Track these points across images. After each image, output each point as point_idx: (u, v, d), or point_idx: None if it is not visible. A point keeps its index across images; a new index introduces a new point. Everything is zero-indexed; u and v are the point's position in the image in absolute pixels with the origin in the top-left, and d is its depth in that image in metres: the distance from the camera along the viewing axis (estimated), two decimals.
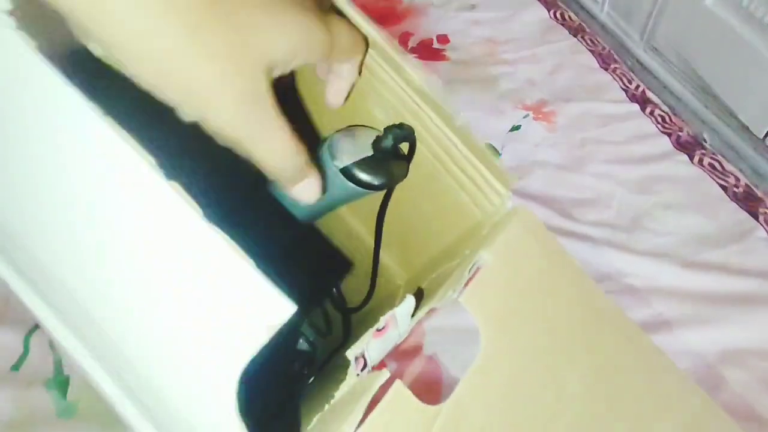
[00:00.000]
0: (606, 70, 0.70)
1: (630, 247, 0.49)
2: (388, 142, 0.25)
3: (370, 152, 0.25)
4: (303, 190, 0.21)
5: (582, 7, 0.89)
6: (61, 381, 0.40)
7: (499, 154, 0.60)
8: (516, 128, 0.63)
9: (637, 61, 0.75)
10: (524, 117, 0.64)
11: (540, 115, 0.64)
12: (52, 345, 0.43)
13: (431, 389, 0.41)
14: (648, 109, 0.63)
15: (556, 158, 0.59)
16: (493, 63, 0.75)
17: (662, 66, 0.70)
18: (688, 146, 0.59)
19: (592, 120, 0.63)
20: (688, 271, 0.47)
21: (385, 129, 0.25)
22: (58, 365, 0.41)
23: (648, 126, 0.61)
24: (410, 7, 0.89)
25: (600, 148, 0.59)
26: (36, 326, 0.44)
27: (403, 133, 0.25)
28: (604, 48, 0.75)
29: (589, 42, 0.76)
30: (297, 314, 0.14)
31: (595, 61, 0.72)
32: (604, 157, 0.58)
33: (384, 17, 0.88)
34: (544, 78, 0.70)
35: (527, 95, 0.67)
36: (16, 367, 0.41)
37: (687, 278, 0.46)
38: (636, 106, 0.64)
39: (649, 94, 0.66)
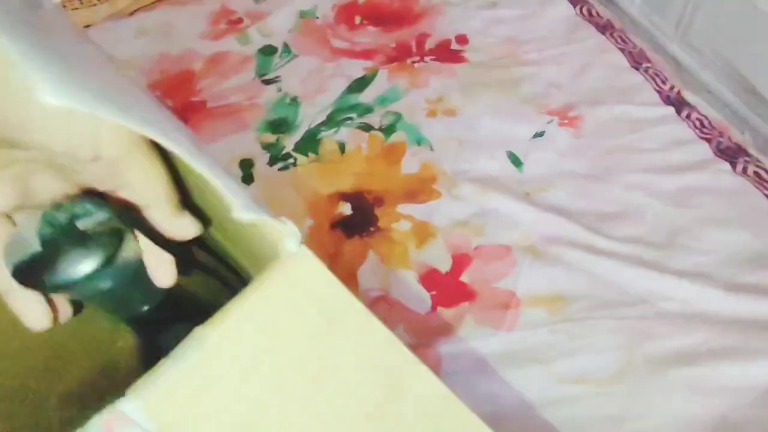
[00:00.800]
0: (637, 69, 0.65)
1: (666, 266, 0.45)
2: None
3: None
4: (186, 224, 0.20)
5: (611, 1, 0.84)
6: None
7: (521, 163, 0.57)
8: (539, 135, 0.59)
9: (672, 58, 0.70)
10: (548, 123, 0.60)
11: (565, 121, 0.60)
12: None
13: None
14: (684, 113, 0.58)
15: (583, 167, 0.55)
16: (515, 64, 0.71)
17: (700, 64, 0.65)
18: (731, 153, 0.54)
19: (622, 125, 0.58)
20: (733, 294, 0.42)
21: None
22: None
23: (685, 131, 0.56)
24: (427, 6, 0.86)
25: (631, 157, 0.55)
26: None
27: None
28: (635, 46, 0.70)
29: (618, 39, 0.71)
30: None
31: (626, 60, 0.67)
32: (635, 166, 0.54)
33: (400, 18, 0.84)
34: (569, 80, 0.66)
35: (551, 99, 0.63)
36: None
37: (731, 303, 0.42)
38: (671, 109, 0.59)
39: (686, 96, 0.61)
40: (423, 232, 0.51)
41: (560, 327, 0.42)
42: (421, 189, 0.55)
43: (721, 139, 0.55)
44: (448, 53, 0.75)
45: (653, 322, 0.41)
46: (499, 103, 0.64)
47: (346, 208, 0.55)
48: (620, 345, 0.40)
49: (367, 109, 0.67)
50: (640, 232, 0.48)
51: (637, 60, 0.66)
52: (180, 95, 0.74)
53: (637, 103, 0.60)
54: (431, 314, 0.45)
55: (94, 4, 0.94)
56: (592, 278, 0.45)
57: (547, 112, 0.62)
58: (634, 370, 0.39)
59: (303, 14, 0.89)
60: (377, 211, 0.54)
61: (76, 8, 0.93)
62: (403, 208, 0.54)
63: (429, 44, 0.78)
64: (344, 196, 0.56)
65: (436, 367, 0.41)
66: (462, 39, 0.77)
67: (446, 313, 0.45)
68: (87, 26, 0.93)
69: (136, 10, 0.94)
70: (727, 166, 0.52)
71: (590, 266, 0.46)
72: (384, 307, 0.46)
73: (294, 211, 0.54)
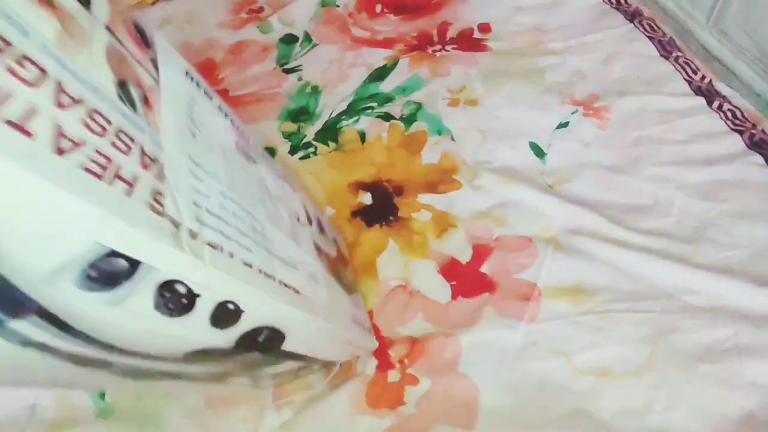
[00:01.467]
0: (667, 58, 0.63)
1: (692, 260, 0.44)
2: None
3: None
4: None
5: None
6: None
7: (545, 154, 0.56)
8: (564, 125, 0.58)
9: (703, 47, 0.68)
10: (573, 113, 0.59)
11: (590, 111, 0.59)
12: None
13: None
14: (716, 104, 0.57)
15: (609, 159, 0.54)
16: (539, 53, 0.69)
17: (732, 52, 0.63)
18: (764, 146, 0.52)
19: (649, 116, 0.57)
20: (763, 289, 0.41)
21: None
22: None
23: (715, 123, 0.55)
24: None
25: (658, 148, 0.54)
26: None
27: None
28: (664, 34, 0.68)
29: (647, 27, 0.69)
30: None
31: (654, 49, 0.65)
32: (663, 158, 0.53)
33: (421, 6, 0.84)
34: (595, 69, 0.64)
35: (576, 89, 0.62)
36: None
37: (760, 298, 0.41)
38: (701, 100, 0.57)
39: (717, 86, 0.59)
40: (443, 222, 0.51)
41: (583, 319, 0.41)
42: (441, 179, 0.55)
43: (754, 131, 0.53)
44: (470, 42, 0.74)
45: (678, 316, 0.40)
46: (522, 93, 0.63)
47: (366, 198, 0.55)
48: (644, 338, 0.40)
49: (388, 99, 0.66)
50: (666, 226, 0.47)
51: (666, 49, 0.65)
52: None
53: (666, 93, 0.59)
54: (451, 304, 0.45)
55: None
56: (616, 271, 0.44)
57: (571, 102, 0.61)
58: (658, 363, 0.38)
59: (324, 3, 0.88)
60: (397, 201, 0.54)
61: None
62: (424, 198, 0.54)
63: (451, 33, 0.77)
64: (364, 186, 0.56)
65: (456, 357, 0.41)
66: (485, 27, 0.76)
67: (467, 303, 0.45)
68: None
69: (158, 0, 0.95)
70: (759, 159, 0.51)
71: (614, 259, 0.45)
72: (403, 295, 0.46)
73: (314, 200, 0.54)
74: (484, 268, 0.47)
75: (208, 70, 0.77)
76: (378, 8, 0.85)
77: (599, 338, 0.40)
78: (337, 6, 0.87)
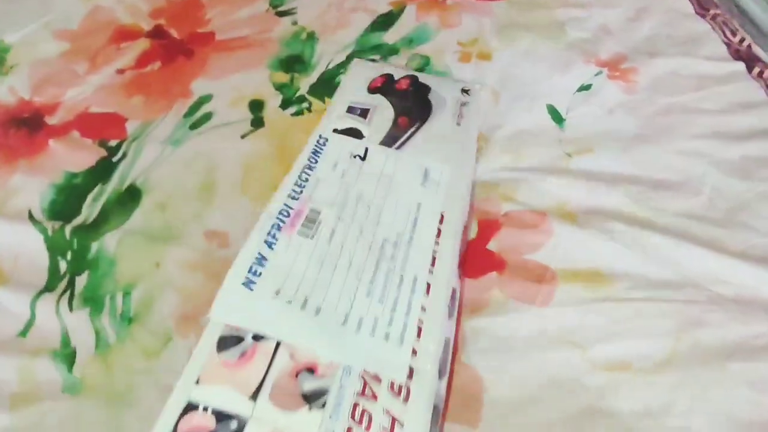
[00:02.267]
0: (703, 17, 0.57)
1: (722, 246, 0.40)
2: None
3: None
4: None
5: None
6: (67, 354, 0.38)
7: (563, 120, 0.50)
8: (586, 88, 0.52)
9: (741, 6, 0.61)
10: (596, 74, 0.53)
11: (616, 73, 0.53)
12: (58, 312, 0.40)
13: None
14: (756, 70, 0.51)
15: (634, 128, 0.49)
16: (560, 5, 0.62)
17: None
18: None
19: (682, 81, 0.51)
20: None
21: None
22: (65, 336, 0.39)
23: (755, 92, 0.49)
24: None
25: (691, 118, 0.48)
26: (43, 290, 0.42)
27: None
28: None
29: None
30: None
31: (690, 5, 0.59)
32: (695, 129, 0.47)
33: None
34: (623, 26, 0.58)
35: (601, 47, 0.56)
36: (23, 333, 0.39)
37: None
38: (740, 66, 0.52)
39: (757, 51, 0.53)
40: None
41: (600, 307, 0.38)
42: None
43: None
44: None
45: (705, 308, 0.37)
46: (540, 49, 0.57)
47: None
48: (667, 331, 0.36)
49: (392, 50, 0.60)
50: (696, 206, 0.43)
51: (703, 5, 0.58)
52: (186, 25, 0.67)
53: (702, 57, 0.53)
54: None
55: None
56: (638, 255, 0.40)
57: (595, 62, 0.55)
58: (682, 359, 0.35)
59: None
60: None
61: None
62: None
63: None
64: None
65: (461, 342, 0.37)
66: None
67: (472, 284, 0.40)
68: None
69: None
70: None
71: (636, 241, 0.41)
72: None
73: None
74: (492, 246, 0.42)
75: (193, 8, 0.70)
76: None
77: (617, 329, 0.36)
78: None
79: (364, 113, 0.47)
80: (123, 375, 0.37)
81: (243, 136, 0.53)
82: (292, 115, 0.55)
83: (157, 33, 0.67)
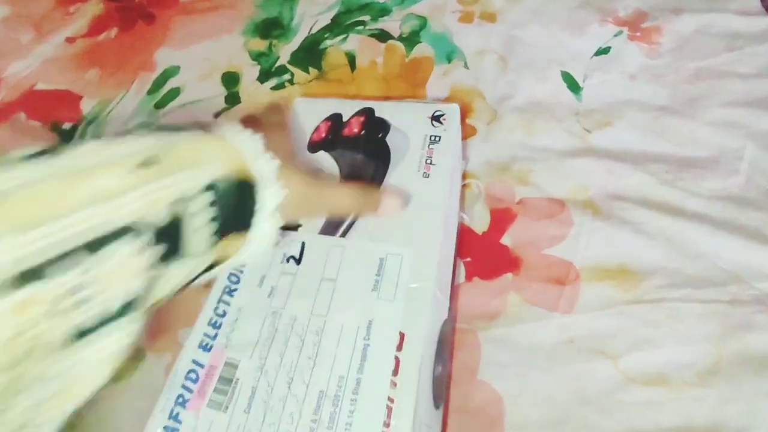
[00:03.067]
0: None
1: (766, 234, 0.35)
2: None
3: None
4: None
5: None
6: None
7: (580, 89, 0.45)
8: (604, 51, 0.46)
9: None
10: (615, 35, 0.47)
11: (638, 33, 0.47)
12: None
13: None
14: None
15: (659, 97, 0.43)
16: None
17: None
18: None
19: (712, 41, 0.45)
20: None
21: None
22: None
23: None
24: None
25: (724, 84, 0.43)
26: None
27: None
28: None
29: None
30: None
31: None
32: (729, 97, 0.42)
33: None
34: None
35: (619, 4, 0.49)
36: None
37: None
38: None
39: None
40: None
41: (631, 310, 0.33)
42: None
43: None
44: None
45: (752, 309, 0.32)
46: (551, 7, 0.50)
47: None
48: (709, 335, 0.32)
49: (384, 11, 0.53)
50: (732, 186, 0.38)
51: None
52: None
53: (732, 12, 0.47)
54: (466, 287, 0.36)
55: None
56: (670, 247, 0.36)
57: (614, 21, 0.48)
58: (728, 369, 0.31)
59: None
60: None
61: None
62: None
63: None
64: None
65: (474, 359, 0.33)
66: None
67: (485, 287, 0.36)
68: None
69: None
70: None
71: (667, 231, 0.36)
72: None
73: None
74: (506, 240, 0.38)
75: None
76: None
77: (652, 335, 0.32)
78: None
79: None
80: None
81: (216, 115, 0.47)
82: (272, 89, 0.48)
83: None
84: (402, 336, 0.26)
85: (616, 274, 0.35)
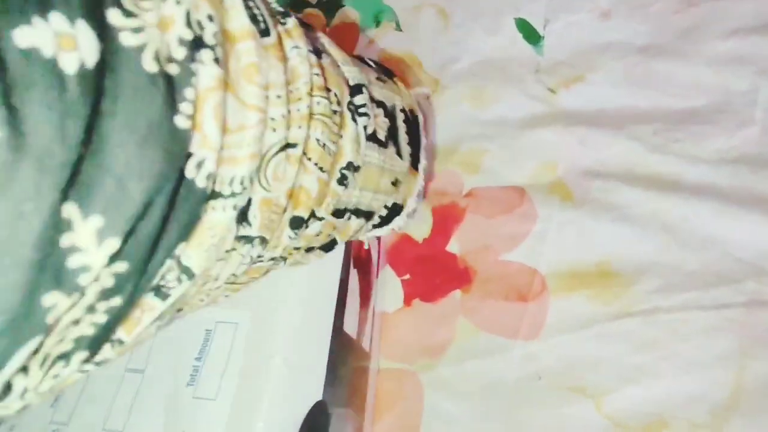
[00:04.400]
0: None
1: None
2: None
3: None
4: None
5: None
6: None
7: (540, 38, 0.35)
8: None
9: None
10: None
11: None
12: None
13: None
14: None
15: (641, 35, 0.34)
16: None
17: None
18: None
19: None
20: None
21: None
22: None
23: None
24: None
25: (725, 6, 0.33)
26: None
27: None
28: None
29: None
30: None
31: None
32: (732, 23, 0.32)
33: None
34: None
35: None
36: None
37: None
38: None
39: None
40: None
41: (615, 329, 0.25)
42: None
43: None
44: None
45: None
46: None
47: None
48: (723, 356, 0.24)
49: None
50: (743, 143, 0.29)
51: None
52: None
53: None
54: (405, 313, 0.28)
55: None
56: (666, 235, 0.27)
57: None
58: (750, 401, 0.23)
59: None
60: None
61: None
62: None
63: None
64: None
65: (416, 407, 0.25)
66: None
67: (428, 311, 0.28)
68: None
69: None
70: None
71: (660, 213, 0.28)
72: None
73: None
74: (453, 247, 0.30)
75: None
76: None
77: (645, 362, 0.24)
78: None
79: None
80: None
81: None
82: None
83: None
84: None
85: (593, 280, 0.27)
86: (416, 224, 0.31)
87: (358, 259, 0.26)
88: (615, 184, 0.29)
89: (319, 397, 0.22)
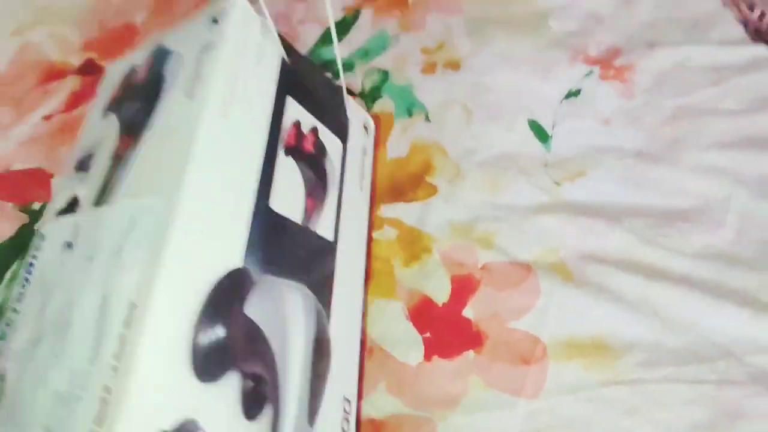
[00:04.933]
0: None
1: (760, 297, 0.31)
2: None
3: None
4: None
5: None
6: None
7: (548, 137, 0.42)
8: (574, 94, 0.43)
9: None
10: (587, 75, 0.44)
11: (610, 72, 0.44)
12: None
13: None
14: None
15: (637, 141, 0.40)
16: None
17: None
18: None
19: (692, 75, 0.42)
20: None
21: None
22: None
23: None
24: None
25: (707, 123, 0.39)
26: None
27: None
28: None
29: None
30: None
31: None
32: (713, 137, 0.38)
33: None
34: (615, 11, 0.48)
35: (590, 40, 0.46)
36: None
37: None
38: (763, 49, 0.42)
39: None
40: (413, 244, 0.38)
41: (605, 394, 0.29)
42: (411, 182, 0.41)
43: None
44: None
45: (745, 390, 0.28)
46: (518, 50, 0.48)
47: None
48: (697, 425, 0.28)
49: (347, 66, 0.51)
50: (720, 242, 0.34)
51: None
52: (119, 55, 0.59)
53: (714, 42, 0.43)
54: (425, 367, 0.33)
55: None
56: (653, 316, 0.32)
57: (584, 60, 0.45)
58: None
59: None
60: None
61: None
62: (388, 210, 0.40)
63: None
64: None
65: None
66: None
67: (445, 367, 0.33)
68: None
69: None
70: None
71: (649, 298, 0.32)
72: (359, 352, 0.34)
73: None
74: (468, 312, 0.34)
75: (126, 37, 0.62)
76: None
77: (631, 424, 0.28)
78: None
79: (85, 163, 0.30)
80: None
81: None
82: None
83: (87, 68, 0.60)
84: (133, 307, 0.21)
85: (589, 351, 0.31)
86: (437, 289, 0.36)
87: (293, 149, 0.30)
88: (610, 270, 0.34)
89: (238, 265, 0.24)
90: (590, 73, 0.44)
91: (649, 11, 0.47)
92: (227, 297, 0.23)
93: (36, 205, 0.49)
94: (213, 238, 0.23)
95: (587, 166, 0.39)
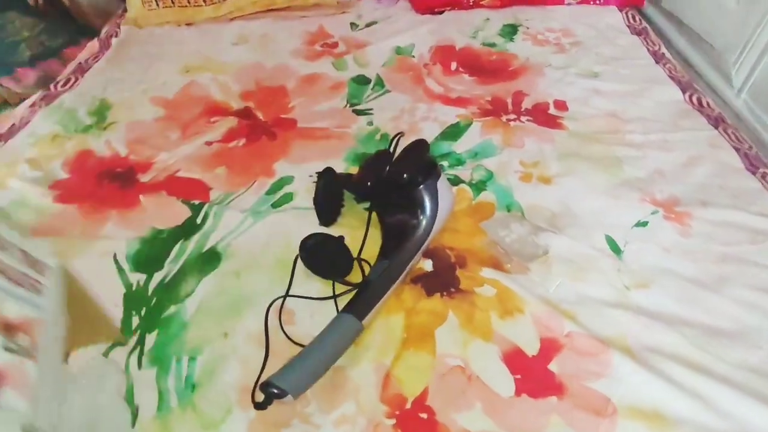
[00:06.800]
0: (754, 174, 0.61)
1: None
2: None
3: None
4: None
5: (713, 91, 0.81)
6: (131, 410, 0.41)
7: (621, 251, 0.53)
8: (642, 224, 0.55)
9: None
10: (653, 213, 0.57)
11: (672, 215, 0.56)
12: (128, 367, 0.43)
13: None
14: None
15: (691, 270, 0.51)
16: (617, 143, 0.67)
17: None
18: None
19: (736, 233, 0.54)
20: None
21: None
22: (130, 392, 0.42)
23: None
24: (526, 65, 0.84)
25: (746, 270, 0.50)
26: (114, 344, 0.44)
27: None
28: (750, 147, 0.66)
29: (732, 137, 0.67)
30: None
31: (740, 161, 0.63)
32: (751, 281, 0.49)
33: (496, 71, 0.83)
34: (676, 170, 0.62)
35: (656, 188, 0.60)
36: None
37: None
38: None
39: None
40: (508, 303, 0.48)
41: None
42: (508, 259, 0.52)
43: None
44: (545, 117, 0.73)
45: None
46: (598, 181, 0.61)
47: (426, 264, 0.52)
48: None
49: (459, 161, 0.64)
50: (755, 360, 0.43)
51: (753, 163, 0.62)
52: (272, 109, 0.73)
53: (754, 213, 0.56)
54: (514, 401, 0.41)
55: (200, 5, 0.96)
56: (700, 401, 0.40)
57: (651, 201, 0.58)
58: None
59: (399, 51, 0.88)
60: (459, 273, 0.51)
61: (184, 6, 0.95)
62: (488, 273, 0.50)
63: (526, 104, 0.75)
64: (425, 252, 0.52)
65: None
66: (561, 105, 0.75)
67: (532, 404, 0.41)
68: (189, 24, 0.95)
69: (236, 17, 0.96)
70: None
71: (697, 387, 0.41)
72: (461, 378, 0.42)
73: (375, 255, 0.51)
74: (553, 367, 0.43)
75: (279, 96, 0.76)
76: (453, 65, 0.85)
77: None
78: (413, 56, 0.87)
79: None
80: None
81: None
82: (365, 209, 0.57)
83: (245, 113, 0.73)
84: None
85: (650, 417, 0.39)
86: (528, 343, 0.45)
87: None
88: (667, 359, 0.43)
89: None
90: (656, 212, 0.57)
91: (703, 176, 0.61)
92: None
93: (195, 202, 0.58)
94: None
95: (650, 280, 0.50)
